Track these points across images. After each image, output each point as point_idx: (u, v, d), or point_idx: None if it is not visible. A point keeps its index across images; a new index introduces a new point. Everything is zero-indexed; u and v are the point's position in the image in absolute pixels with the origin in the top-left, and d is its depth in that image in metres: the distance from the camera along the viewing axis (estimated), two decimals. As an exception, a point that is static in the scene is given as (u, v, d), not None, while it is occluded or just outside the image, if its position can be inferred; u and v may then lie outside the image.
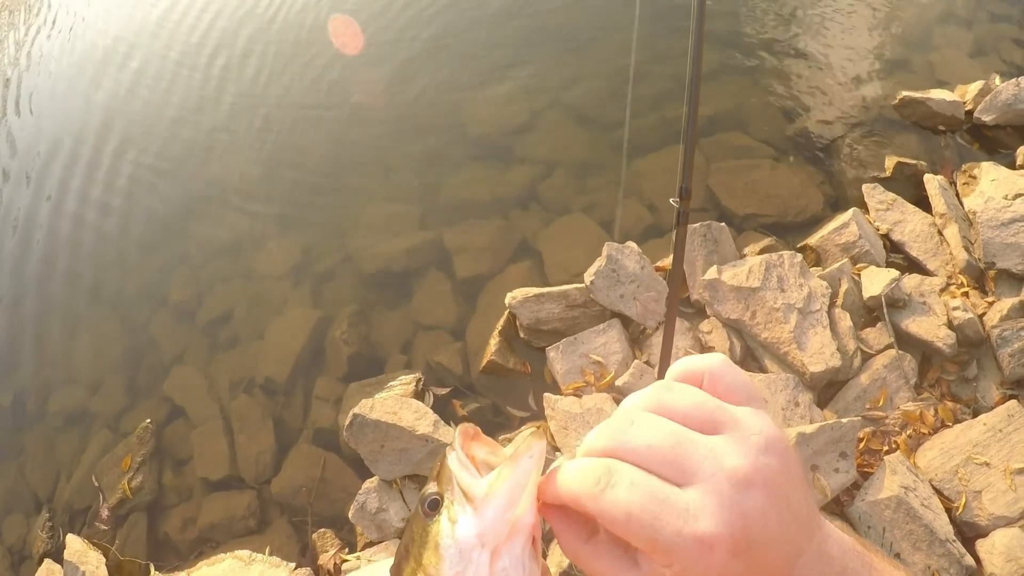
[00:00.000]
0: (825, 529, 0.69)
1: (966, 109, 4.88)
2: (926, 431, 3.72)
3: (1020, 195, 4.20)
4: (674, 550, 0.60)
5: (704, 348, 4.10)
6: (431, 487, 0.73)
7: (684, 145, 2.53)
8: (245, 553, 4.19)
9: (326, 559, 4.05)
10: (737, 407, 0.67)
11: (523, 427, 4.15)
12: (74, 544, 4.42)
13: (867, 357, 3.93)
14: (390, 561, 0.80)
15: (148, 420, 4.88)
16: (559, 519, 0.70)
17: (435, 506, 0.72)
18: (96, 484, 4.79)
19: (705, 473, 0.61)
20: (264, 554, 4.16)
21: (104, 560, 4.37)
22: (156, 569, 4.37)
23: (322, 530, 4.21)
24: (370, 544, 3.98)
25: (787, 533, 0.63)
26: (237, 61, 7.07)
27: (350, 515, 4.00)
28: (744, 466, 0.62)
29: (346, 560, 3.95)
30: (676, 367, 0.72)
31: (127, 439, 4.86)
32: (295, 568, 4.00)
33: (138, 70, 7.50)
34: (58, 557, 4.47)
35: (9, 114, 7.96)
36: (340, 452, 4.45)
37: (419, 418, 3.94)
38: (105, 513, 4.67)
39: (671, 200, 2.61)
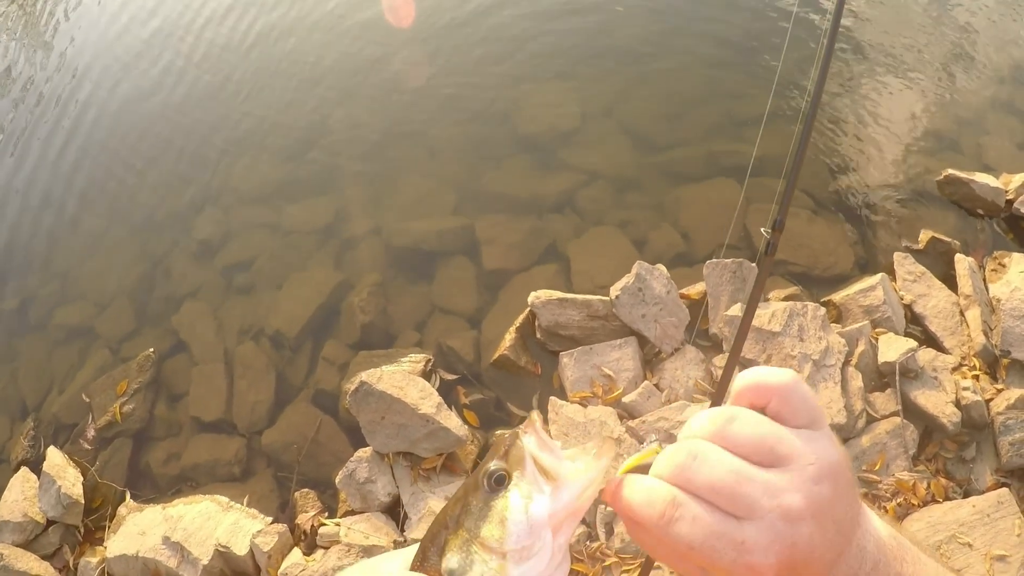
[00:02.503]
0: (864, 525, 0.74)
1: (1007, 198, 4.93)
2: (916, 503, 3.77)
3: (1047, 291, 4.26)
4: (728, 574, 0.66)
5: (715, 381, 4.14)
6: (496, 463, 0.76)
7: (786, 179, 2.55)
8: (224, 499, 4.21)
9: (304, 519, 4.05)
10: (797, 433, 0.71)
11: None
12: (54, 457, 4.43)
13: (871, 420, 3.98)
14: (394, 553, 0.82)
15: (151, 349, 4.88)
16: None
17: (501, 482, 0.75)
18: (87, 402, 4.78)
19: (762, 510, 0.66)
20: (242, 503, 4.17)
21: (82, 479, 4.38)
22: (132, 498, 4.37)
23: (305, 490, 4.22)
24: (351, 512, 4.00)
25: (831, 547, 0.69)
26: (300, 19, 7.10)
27: (337, 480, 4.01)
28: (797, 502, 0.66)
29: (324, 524, 3.95)
30: (748, 376, 0.75)
31: (127, 364, 4.86)
32: (271, 522, 4.00)
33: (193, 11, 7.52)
34: (36, 467, 4.48)
35: (49, 39, 7.95)
36: (337, 417, 4.47)
37: (424, 397, 3.96)
38: (91, 433, 4.67)
39: (762, 229, 2.62)
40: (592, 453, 0.76)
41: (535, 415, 0.79)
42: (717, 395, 2.94)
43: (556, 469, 0.74)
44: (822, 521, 0.67)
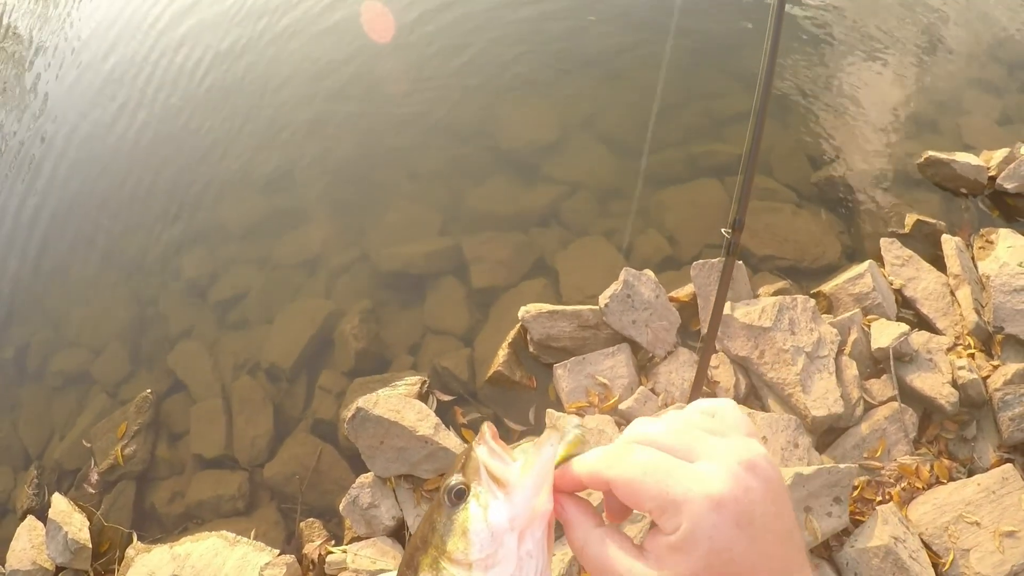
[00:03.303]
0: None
1: (989, 175, 4.95)
2: (920, 486, 3.75)
3: (1036, 264, 4.26)
4: (684, 506, 0.63)
5: (710, 382, 4.13)
6: (455, 478, 0.77)
7: (742, 178, 2.56)
8: (230, 534, 4.19)
9: (311, 549, 4.04)
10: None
11: (521, 441, 4.17)
12: (59, 504, 4.43)
13: (869, 407, 3.97)
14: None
15: (148, 390, 4.89)
16: (573, 506, 0.74)
17: (461, 495, 0.76)
18: (88, 447, 4.79)
19: (716, 455, 0.66)
20: (249, 537, 4.16)
21: (88, 523, 4.38)
22: (139, 539, 4.38)
23: (310, 520, 4.21)
24: (357, 539, 3.98)
25: (782, 535, 0.66)
26: (276, 46, 7.19)
27: (341, 508, 4.00)
28: (750, 456, 0.67)
29: (331, 552, 3.94)
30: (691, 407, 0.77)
31: (125, 407, 4.87)
32: (279, 554, 4.00)
33: (170, 50, 7.60)
34: (42, 515, 4.48)
35: (32, 80, 8.07)
36: (337, 444, 4.47)
37: (421, 419, 3.95)
38: (94, 477, 4.67)
39: (722, 230, 2.64)
40: (533, 444, 0.77)
41: (486, 426, 0.80)
42: (695, 389, 2.94)
43: (505, 474, 0.75)
44: (770, 492, 0.66)
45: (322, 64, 6.83)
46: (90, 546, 4.26)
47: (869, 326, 4.19)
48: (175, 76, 7.26)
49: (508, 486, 0.74)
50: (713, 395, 4.06)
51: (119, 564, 4.24)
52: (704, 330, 4.32)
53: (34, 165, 6.86)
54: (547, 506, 0.73)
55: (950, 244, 4.47)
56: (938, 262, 4.51)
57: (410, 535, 3.86)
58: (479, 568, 0.72)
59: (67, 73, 7.95)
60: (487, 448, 0.78)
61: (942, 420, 3.95)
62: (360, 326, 4.82)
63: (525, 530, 0.73)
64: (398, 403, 4.02)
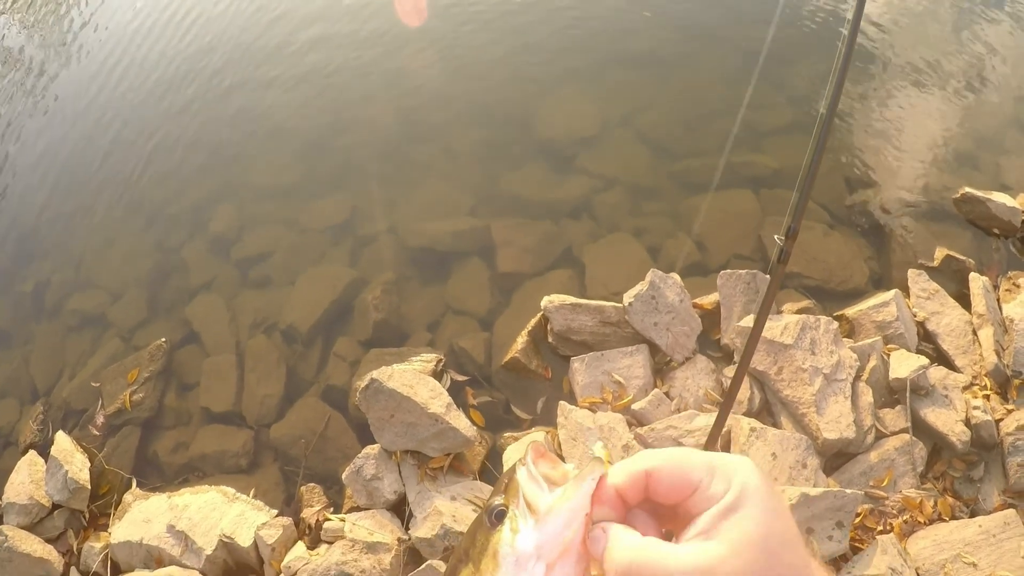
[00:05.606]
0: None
1: (1023, 218, 4.93)
2: (922, 520, 3.76)
3: (1060, 313, 4.25)
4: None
5: (724, 392, 4.13)
6: (498, 499, 0.78)
7: (800, 186, 2.56)
8: (230, 490, 4.21)
9: (309, 514, 4.05)
10: None
11: (531, 430, 4.18)
12: (62, 442, 4.43)
13: (880, 436, 3.97)
14: None
15: (163, 339, 4.90)
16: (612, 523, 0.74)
17: (501, 517, 0.77)
18: (97, 389, 4.79)
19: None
20: (248, 495, 4.17)
21: (89, 464, 4.38)
22: (138, 485, 4.39)
23: (311, 484, 4.22)
24: (356, 509, 4.00)
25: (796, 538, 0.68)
26: (315, 18, 7.18)
27: (344, 476, 4.01)
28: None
29: (329, 519, 3.95)
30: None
31: (138, 353, 4.88)
32: (277, 515, 4.01)
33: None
34: (43, 451, 4.49)
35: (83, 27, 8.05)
36: (346, 413, 4.47)
37: (434, 397, 3.95)
38: (100, 419, 4.67)
39: (776, 236, 2.64)
40: (574, 476, 0.76)
41: (530, 447, 0.80)
42: (725, 404, 2.94)
43: (538, 502, 0.75)
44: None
45: (371, 35, 6.80)
46: (89, 487, 4.28)
47: (889, 355, 4.18)
48: (226, 36, 7.28)
49: (540, 513, 0.74)
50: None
51: (115, 508, 4.26)
52: (723, 338, 4.33)
53: (78, 108, 6.87)
54: (579, 539, 0.73)
55: (977, 283, 4.46)
56: (963, 299, 4.49)
57: (410, 511, 3.87)
58: None
59: (111, 15, 7.94)
60: (527, 472, 0.78)
61: (951, 458, 3.95)
62: (381, 297, 4.82)
63: (555, 562, 0.72)
64: (412, 378, 4.02)
